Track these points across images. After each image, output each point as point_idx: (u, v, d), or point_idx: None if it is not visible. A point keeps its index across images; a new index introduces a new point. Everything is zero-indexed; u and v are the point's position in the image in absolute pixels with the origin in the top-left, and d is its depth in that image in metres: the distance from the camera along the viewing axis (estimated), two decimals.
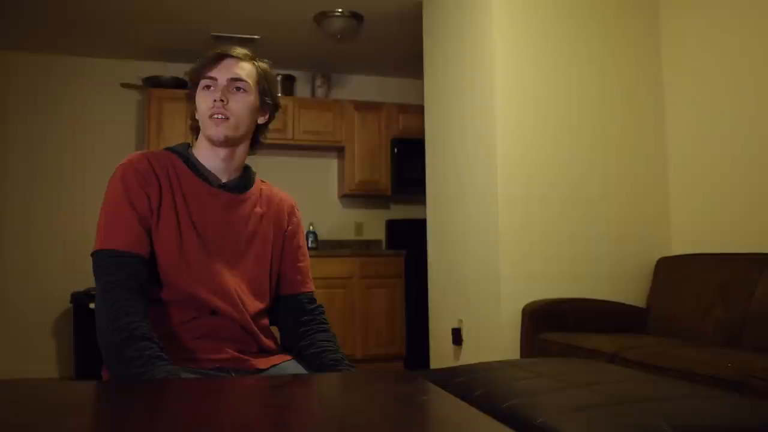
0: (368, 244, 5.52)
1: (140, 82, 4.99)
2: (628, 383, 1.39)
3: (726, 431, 1.16)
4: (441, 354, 3.71)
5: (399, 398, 0.98)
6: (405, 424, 0.83)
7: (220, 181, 1.45)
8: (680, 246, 3.32)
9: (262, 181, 1.57)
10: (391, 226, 5.51)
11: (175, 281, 1.34)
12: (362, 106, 5.29)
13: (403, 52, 4.94)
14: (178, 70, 4.92)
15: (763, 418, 1.19)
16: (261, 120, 1.50)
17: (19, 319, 4.70)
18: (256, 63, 1.47)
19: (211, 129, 1.40)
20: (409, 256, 4.91)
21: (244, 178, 1.50)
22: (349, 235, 5.49)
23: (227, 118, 1.40)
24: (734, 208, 3.00)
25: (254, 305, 1.43)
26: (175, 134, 4.53)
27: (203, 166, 1.45)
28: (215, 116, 1.39)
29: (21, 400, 0.96)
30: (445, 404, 0.92)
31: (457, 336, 3.46)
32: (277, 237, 1.51)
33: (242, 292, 1.40)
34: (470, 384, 1.42)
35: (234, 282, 1.39)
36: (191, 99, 1.46)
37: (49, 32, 4.55)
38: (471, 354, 3.35)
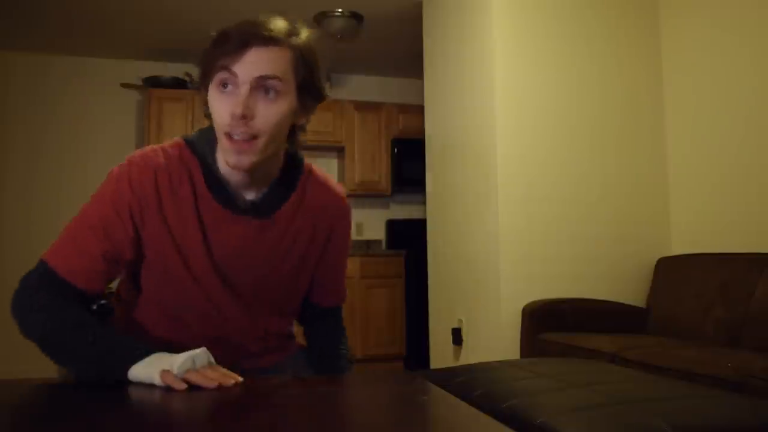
0: (368, 244, 5.52)
1: (140, 82, 4.99)
2: (628, 383, 1.39)
3: (726, 431, 1.16)
4: (441, 354, 3.71)
5: (399, 398, 0.98)
6: (405, 424, 0.83)
7: (246, 199, 1.16)
8: (680, 246, 3.32)
9: (311, 171, 1.25)
10: (391, 226, 5.51)
11: (185, 319, 1.18)
12: (362, 106, 5.29)
13: (403, 52, 4.94)
14: (178, 70, 4.91)
15: (763, 418, 1.19)
16: (300, 122, 1.16)
17: None
18: (293, 43, 1.08)
19: (230, 155, 1.05)
20: (409, 256, 4.91)
21: (281, 187, 1.19)
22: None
23: (253, 138, 1.04)
24: (734, 208, 3.00)
25: (274, 326, 1.29)
26: (175, 134, 4.50)
27: (227, 181, 1.14)
28: (236, 136, 1.03)
29: (21, 400, 0.96)
30: (445, 404, 0.92)
31: (457, 336, 3.46)
32: (312, 250, 1.26)
33: (265, 324, 1.26)
34: (470, 384, 1.42)
35: (256, 316, 1.23)
36: (204, 89, 1.10)
37: (49, 32, 4.55)
38: (471, 354, 3.35)
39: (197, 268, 1.14)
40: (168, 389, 0.94)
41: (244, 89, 1.02)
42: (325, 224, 1.26)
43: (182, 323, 1.19)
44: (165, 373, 0.95)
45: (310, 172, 1.25)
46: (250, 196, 1.16)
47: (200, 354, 0.98)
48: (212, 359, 1.00)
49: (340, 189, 1.29)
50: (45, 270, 1.09)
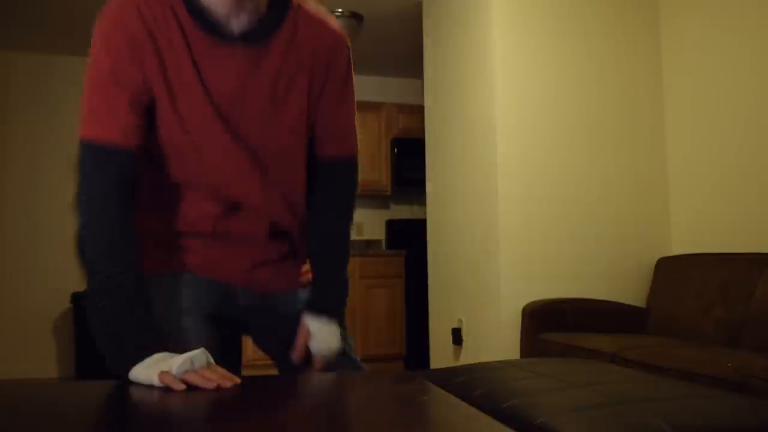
0: (368, 244, 5.52)
1: None
2: (628, 383, 1.39)
3: (726, 431, 1.16)
4: (441, 354, 3.71)
5: (399, 398, 0.98)
6: (405, 424, 0.83)
7: (234, 28, 1.09)
8: (680, 246, 3.32)
9: (299, 6, 1.17)
10: (391, 226, 5.51)
11: (191, 170, 1.13)
12: (362, 106, 5.27)
13: (403, 51, 4.94)
14: None
15: (763, 418, 1.19)
16: None
17: (20, 319, 4.70)
18: None
19: None
20: (409, 256, 4.91)
21: (270, 17, 1.11)
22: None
23: None
24: (734, 208, 3.00)
25: (287, 190, 1.20)
26: None
27: (211, 8, 1.07)
28: None
29: (21, 400, 0.96)
30: (445, 404, 0.92)
31: (457, 336, 3.46)
32: (313, 89, 1.18)
33: (276, 181, 1.18)
34: (470, 384, 1.42)
35: (266, 172, 1.16)
36: None
37: (50, 32, 4.55)
38: (471, 354, 3.35)
39: (197, 112, 1.10)
40: (167, 390, 0.94)
41: None
42: (323, 58, 1.18)
43: (194, 193, 1.15)
44: (164, 374, 0.95)
45: (299, 6, 1.17)
46: (238, 26, 1.09)
47: (199, 355, 0.98)
48: (211, 360, 1.00)
49: (335, 21, 1.22)
50: (87, 148, 1.05)
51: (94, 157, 1.05)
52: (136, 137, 1.06)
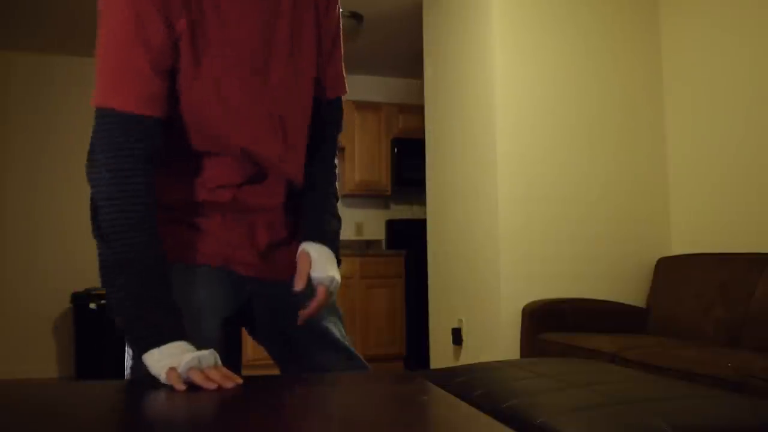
0: (368, 244, 5.52)
1: None
2: (628, 383, 1.39)
3: (726, 431, 1.16)
4: (441, 354, 3.71)
5: (399, 398, 0.98)
6: (405, 424, 0.83)
7: None
8: (680, 246, 3.32)
9: None
10: (391, 226, 5.51)
11: (215, 129, 1.07)
12: (362, 106, 5.29)
13: (403, 51, 4.94)
14: None
15: (763, 418, 1.19)
16: None
17: (20, 320, 4.70)
18: None
19: None
20: (409, 256, 4.91)
21: None
22: (350, 235, 5.50)
23: None
24: (734, 208, 3.00)
25: (301, 141, 1.17)
26: None
27: None
28: None
29: (21, 400, 0.96)
30: (445, 404, 0.92)
31: (457, 336, 3.46)
32: (316, 32, 1.19)
33: (290, 129, 1.15)
34: (470, 384, 1.42)
35: (285, 123, 1.13)
36: None
37: (51, 32, 4.55)
38: (471, 354, 3.35)
39: (223, 63, 1.06)
40: (168, 388, 0.94)
41: None
42: None
43: (218, 158, 1.12)
44: (171, 371, 0.95)
45: None
46: None
47: (207, 355, 0.98)
48: (218, 361, 1.00)
49: None
50: (107, 117, 0.98)
51: (117, 127, 0.97)
52: (162, 103, 1.00)
